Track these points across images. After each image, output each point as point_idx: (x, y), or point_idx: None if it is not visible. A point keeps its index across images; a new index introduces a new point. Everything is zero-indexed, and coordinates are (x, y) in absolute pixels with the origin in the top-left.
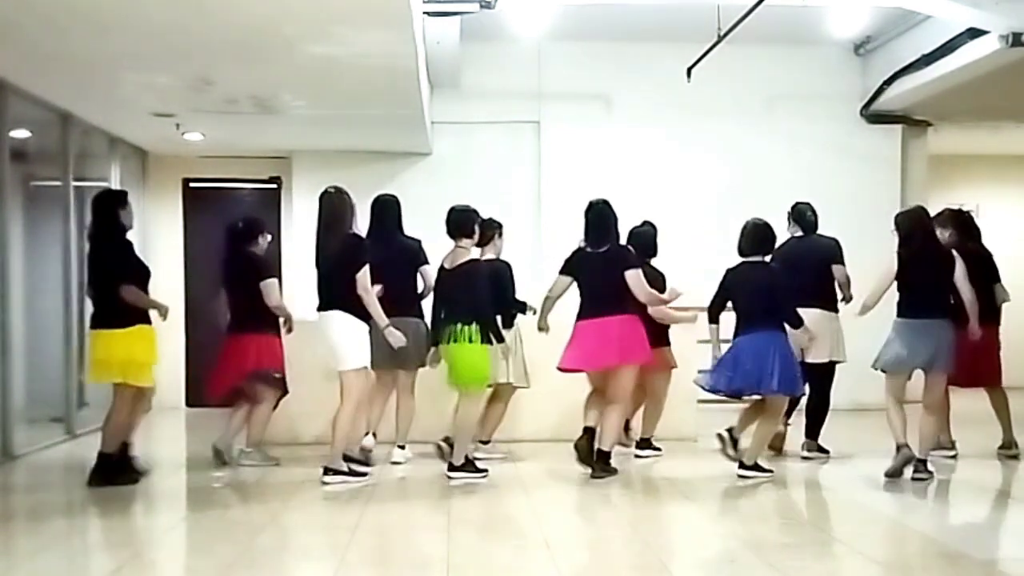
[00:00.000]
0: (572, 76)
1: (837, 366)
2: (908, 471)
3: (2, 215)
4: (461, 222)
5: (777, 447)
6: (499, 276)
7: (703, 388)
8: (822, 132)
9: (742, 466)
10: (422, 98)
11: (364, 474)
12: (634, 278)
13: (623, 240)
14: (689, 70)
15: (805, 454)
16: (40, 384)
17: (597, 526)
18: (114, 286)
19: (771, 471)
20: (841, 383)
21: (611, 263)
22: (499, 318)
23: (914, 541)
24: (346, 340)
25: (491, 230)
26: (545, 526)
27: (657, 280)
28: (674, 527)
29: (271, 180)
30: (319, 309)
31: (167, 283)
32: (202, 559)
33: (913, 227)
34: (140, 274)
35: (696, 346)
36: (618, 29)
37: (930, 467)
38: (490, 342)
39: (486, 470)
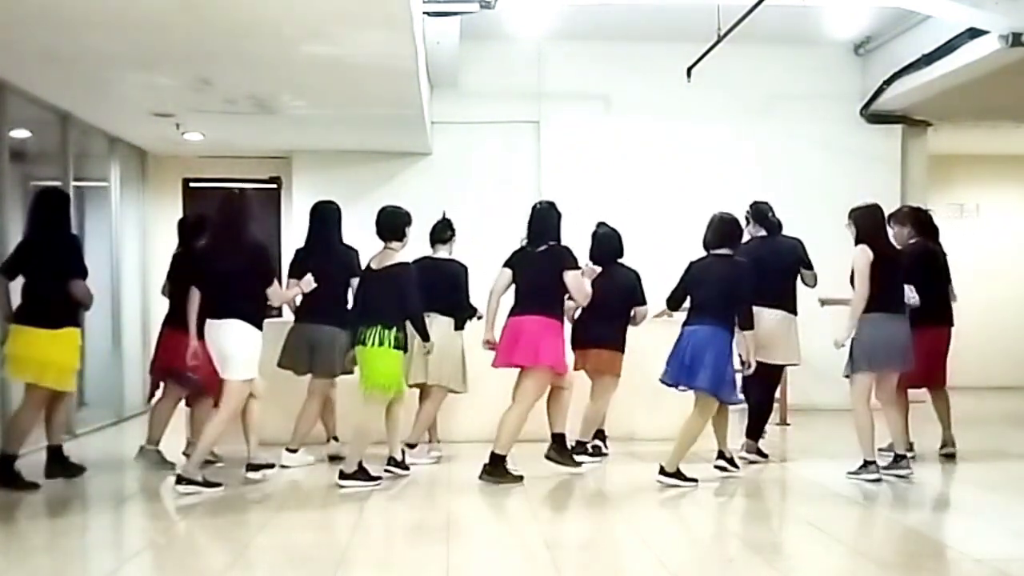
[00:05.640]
0: (572, 76)
1: (788, 368)
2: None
3: (2, 215)
4: (392, 225)
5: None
6: (454, 276)
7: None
8: (822, 132)
9: (662, 472)
10: (422, 98)
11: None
12: (573, 279)
13: (589, 243)
14: (689, 70)
15: (743, 454)
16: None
17: (596, 526)
18: (63, 282)
19: (695, 480)
20: (836, 384)
21: (548, 262)
22: (452, 320)
23: (914, 541)
24: (240, 350)
25: (448, 231)
26: (544, 526)
27: (631, 281)
28: (673, 527)
29: (271, 180)
30: (213, 316)
31: None
32: (201, 559)
33: (871, 225)
34: (86, 271)
35: None
36: (618, 29)
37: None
38: (405, 349)
39: (379, 477)
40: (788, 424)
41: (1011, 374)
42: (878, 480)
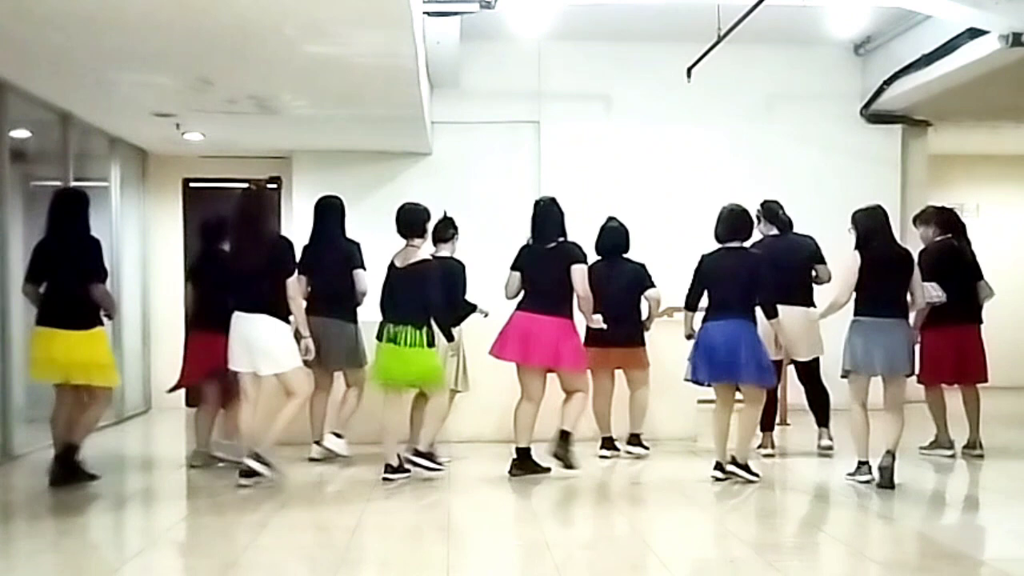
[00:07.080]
0: (572, 76)
1: (788, 368)
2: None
3: (2, 215)
4: (412, 221)
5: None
6: (451, 275)
7: (687, 380)
8: (822, 132)
9: (733, 462)
10: (422, 98)
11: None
12: (579, 273)
13: (597, 235)
14: (689, 70)
15: (824, 442)
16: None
17: (597, 526)
18: (85, 285)
19: (758, 475)
20: (836, 384)
21: (558, 258)
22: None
23: (914, 541)
24: (279, 342)
25: (450, 229)
26: (545, 526)
27: (638, 272)
28: (674, 527)
29: (271, 180)
30: (239, 309)
31: (167, 283)
32: (202, 559)
33: (872, 227)
34: (106, 274)
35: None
36: (618, 29)
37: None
38: (433, 343)
39: (440, 467)
40: (788, 424)
41: (1011, 374)
42: (869, 482)
